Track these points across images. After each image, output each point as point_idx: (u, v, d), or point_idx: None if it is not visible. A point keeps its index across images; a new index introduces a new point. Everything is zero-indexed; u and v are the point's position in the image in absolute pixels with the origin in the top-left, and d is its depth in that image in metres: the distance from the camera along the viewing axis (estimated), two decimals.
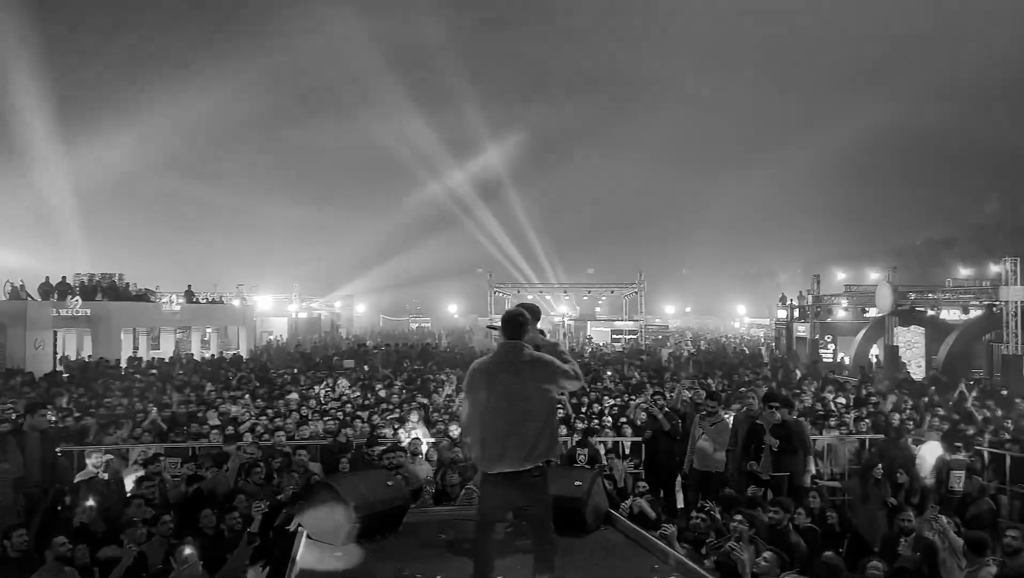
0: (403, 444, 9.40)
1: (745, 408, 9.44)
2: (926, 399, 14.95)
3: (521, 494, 4.62)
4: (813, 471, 8.76)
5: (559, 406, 5.15)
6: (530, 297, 51.03)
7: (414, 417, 11.29)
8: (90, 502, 7.24)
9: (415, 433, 10.33)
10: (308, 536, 5.85)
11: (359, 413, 12.43)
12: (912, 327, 27.12)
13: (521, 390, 4.57)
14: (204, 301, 34.30)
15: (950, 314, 27.74)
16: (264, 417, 12.33)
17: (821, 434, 10.91)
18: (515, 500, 4.70)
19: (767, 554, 5.85)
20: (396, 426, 11.19)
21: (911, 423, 11.78)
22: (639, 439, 10.37)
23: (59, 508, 7.53)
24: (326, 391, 16.03)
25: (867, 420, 12.17)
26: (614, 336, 43.57)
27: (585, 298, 50.77)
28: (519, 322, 4.74)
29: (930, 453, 9.72)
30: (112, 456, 8.87)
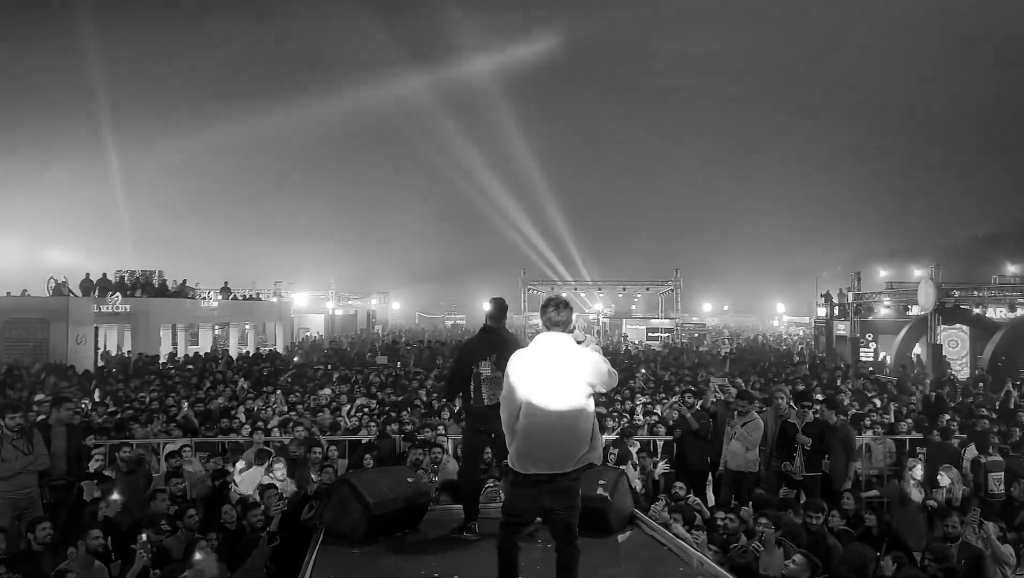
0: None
1: (773, 407, 9.19)
2: (971, 399, 14.51)
3: (552, 498, 4.35)
4: (851, 479, 8.48)
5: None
6: (564, 294, 50.88)
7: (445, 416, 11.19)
8: (115, 496, 7.27)
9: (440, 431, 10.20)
10: (326, 532, 5.80)
11: (391, 411, 12.38)
12: (956, 325, 26.38)
13: (568, 387, 4.28)
14: (242, 297, 34.68)
15: (996, 312, 26.96)
16: (294, 412, 12.35)
17: (860, 434, 10.63)
18: (545, 503, 4.39)
19: (797, 557, 5.65)
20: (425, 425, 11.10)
21: (955, 424, 11.40)
22: (671, 438, 10.19)
23: (84, 501, 7.58)
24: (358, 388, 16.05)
25: (908, 420, 11.86)
26: (650, 334, 43.18)
27: (620, 296, 50.38)
28: (559, 310, 4.44)
29: (972, 455, 9.42)
30: (141, 450, 8.94)
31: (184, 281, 31.11)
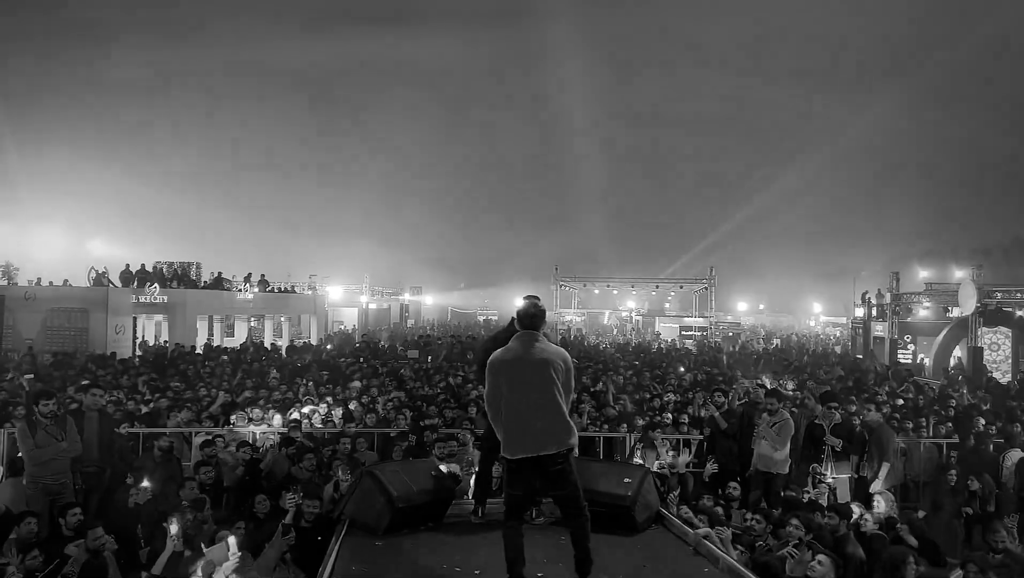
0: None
1: (801, 407, 9.05)
2: (1014, 403, 14.14)
3: (544, 481, 4.68)
4: (882, 482, 8.30)
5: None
6: (596, 291, 50.64)
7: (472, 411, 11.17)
8: (145, 484, 7.37)
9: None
10: (350, 524, 5.82)
11: (420, 405, 12.42)
12: (998, 328, 25.76)
13: (538, 380, 4.66)
14: (277, 290, 35.04)
15: None
16: (324, 404, 12.44)
17: (896, 436, 10.44)
18: (538, 487, 4.75)
19: (821, 558, 5.54)
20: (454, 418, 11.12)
21: (993, 429, 11.11)
22: (701, 437, 10.10)
23: (116, 488, 7.69)
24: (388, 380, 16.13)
25: (947, 424, 11.61)
26: (683, 332, 42.83)
27: (654, 293, 50.00)
28: (536, 313, 4.88)
29: (1011, 461, 9.17)
30: (172, 439, 9.05)
31: (219, 273, 31.50)
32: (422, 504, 5.99)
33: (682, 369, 20.17)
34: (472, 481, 7.09)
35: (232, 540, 5.59)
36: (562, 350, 4.95)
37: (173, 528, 5.97)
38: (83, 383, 9.22)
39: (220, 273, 31.66)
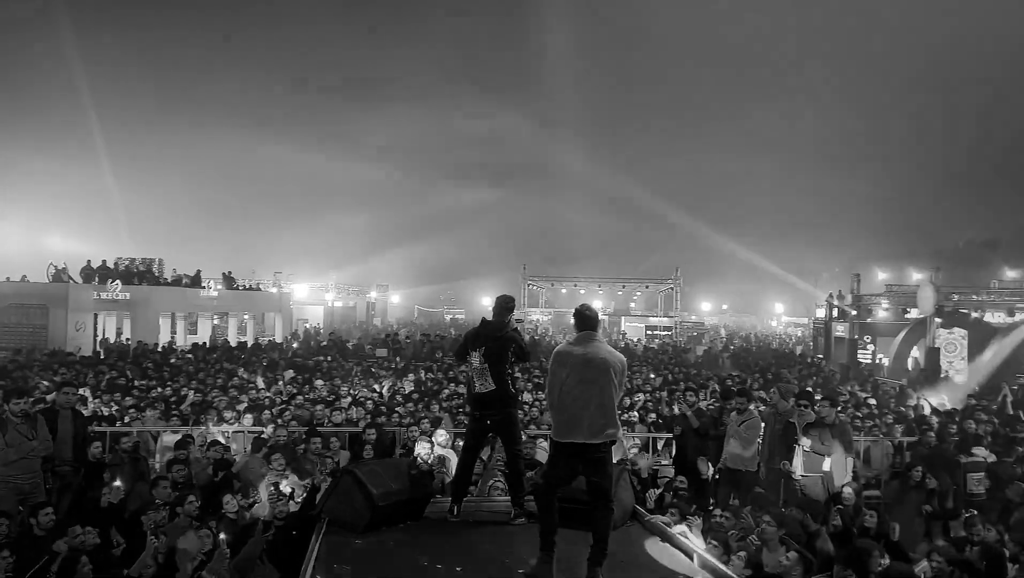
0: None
1: (772, 405, 9.23)
2: (973, 401, 14.53)
3: (586, 466, 5.09)
4: (850, 475, 8.52)
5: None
6: (564, 291, 50.90)
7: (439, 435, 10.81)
8: (117, 483, 7.30)
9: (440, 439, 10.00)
10: (329, 522, 5.83)
11: (386, 404, 12.43)
12: (955, 329, 26.44)
13: (600, 377, 5.05)
14: (242, 288, 34.68)
15: (994, 317, 27.01)
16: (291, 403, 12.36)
17: (858, 436, 10.69)
18: (579, 470, 5.14)
19: (791, 554, 5.70)
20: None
21: (952, 427, 11.44)
22: (670, 436, 10.25)
23: (88, 487, 7.61)
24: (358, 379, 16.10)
25: (903, 424, 11.92)
26: (648, 332, 43.25)
27: (619, 293, 50.40)
28: (591, 315, 5.35)
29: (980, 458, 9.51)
30: (138, 438, 8.96)
31: (183, 274, 31.04)
32: (401, 502, 6.03)
33: (653, 375, 20.27)
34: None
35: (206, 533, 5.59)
36: (620, 354, 5.36)
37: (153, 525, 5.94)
38: (56, 380, 9.07)
39: (199, 271, 31.22)
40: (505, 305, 6.43)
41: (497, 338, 6.15)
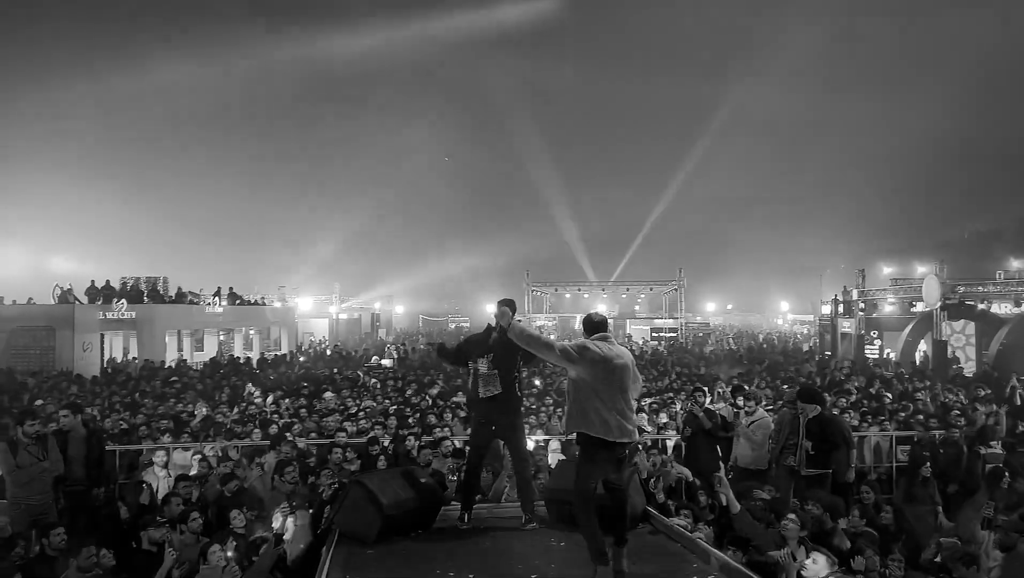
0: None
1: (786, 407, 9.21)
2: (982, 392, 14.46)
3: (615, 467, 5.20)
4: (853, 468, 8.49)
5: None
6: (568, 296, 50.86)
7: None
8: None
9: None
10: (340, 533, 5.83)
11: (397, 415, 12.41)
12: (961, 321, 26.35)
13: (624, 379, 5.22)
14: (246, 303, 34.71)
15: (1001, 308, 26.89)
16: (297, 418, 12.37)
17: (869, 430, 10.67)
18: (607, 470, 5.20)
19: (816, 555, 5.67)
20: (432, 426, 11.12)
21: (962, 420, 11.39)
22: (679, 438, 10.22)
23: (101, 506, 7.62)
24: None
25: (917, 417, 11.86)
26: (654, 334, 43.18)
27: (623, 296, 50.35)
28: (601, 319, 5.51)
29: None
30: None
31: (188, 291, 31.04)
32: (411, 511, 6.03)
33: (674, 374, 20.22)
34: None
35: (229, 553, 5.58)
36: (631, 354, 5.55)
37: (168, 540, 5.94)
38: (74, 403, 9.11)
39: (188, 290, 31.22)
40: (509, 308, 6.41)
41: (506, 344, 6.10)
